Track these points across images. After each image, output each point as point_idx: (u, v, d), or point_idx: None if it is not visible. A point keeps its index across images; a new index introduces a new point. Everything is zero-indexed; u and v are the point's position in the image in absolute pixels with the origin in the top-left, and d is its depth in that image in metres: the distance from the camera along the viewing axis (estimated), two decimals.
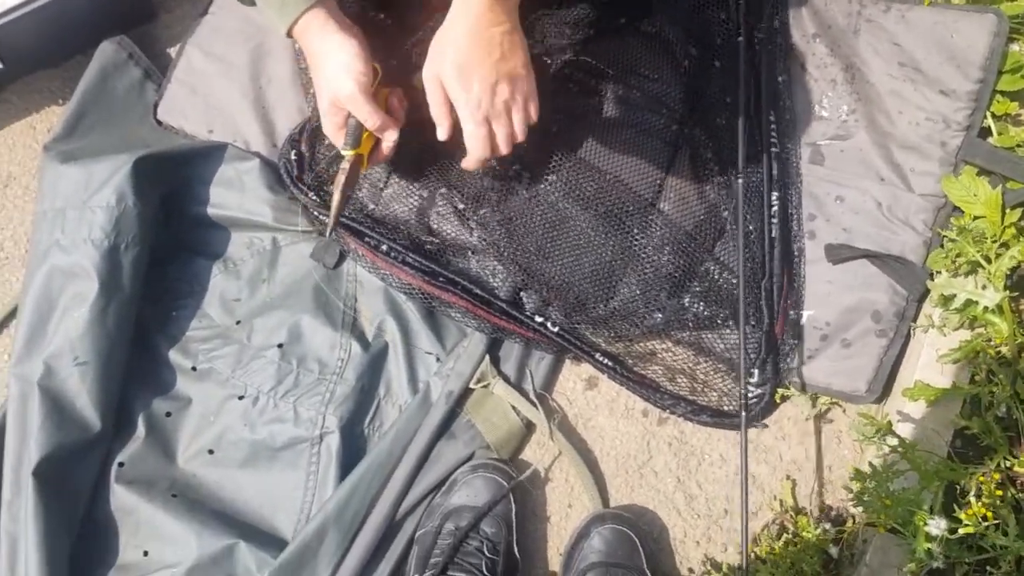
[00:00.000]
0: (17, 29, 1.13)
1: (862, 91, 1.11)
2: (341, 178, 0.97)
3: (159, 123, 1.19)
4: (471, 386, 1.09)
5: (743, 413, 1.02)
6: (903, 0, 1.12)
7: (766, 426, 1.08)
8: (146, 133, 1.18)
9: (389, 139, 1.00)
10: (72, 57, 1.27)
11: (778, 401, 1.06)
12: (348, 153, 0.97)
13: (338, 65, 0.94)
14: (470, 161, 0.99)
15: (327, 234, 1.03)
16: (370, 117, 0.95)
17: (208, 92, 1.18)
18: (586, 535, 1.01)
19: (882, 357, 1.06)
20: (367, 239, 1.09)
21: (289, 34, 0.96)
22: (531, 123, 1.00)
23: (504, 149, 0.98)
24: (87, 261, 1.05)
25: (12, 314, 1.16)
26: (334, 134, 1.00)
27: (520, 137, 0.98)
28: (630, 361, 1.09)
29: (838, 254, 1.07)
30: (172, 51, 1.26)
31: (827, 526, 1.01)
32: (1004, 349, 0.96)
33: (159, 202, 1.13)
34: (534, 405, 1.08)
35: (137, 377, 1.11)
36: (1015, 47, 1.07)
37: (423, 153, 1.12)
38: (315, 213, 1.11)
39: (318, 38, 0.94)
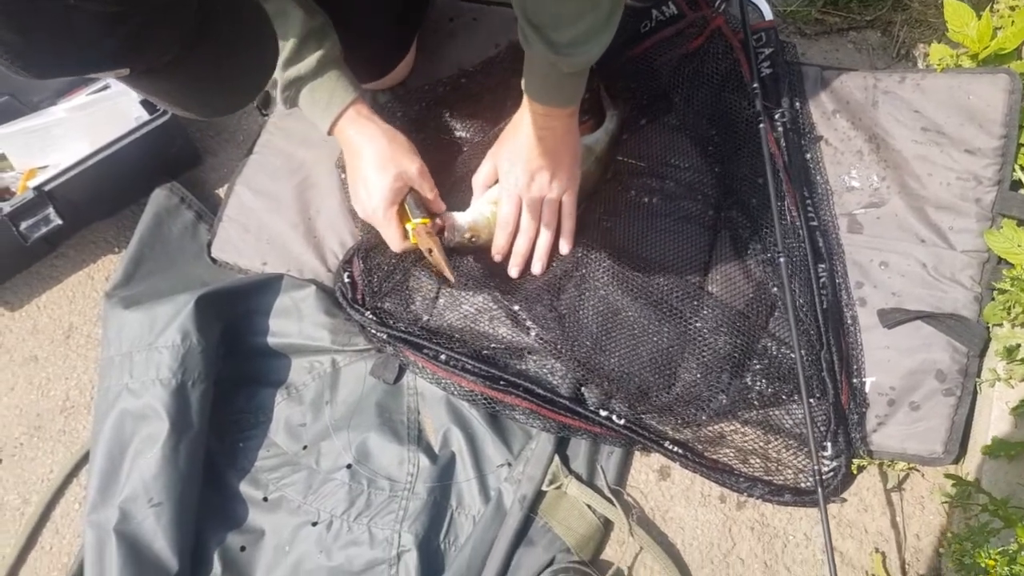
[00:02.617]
0: (74, 186, 1.20)
1: (889, 158, 1.15)
2: (431, 242, 1.04)
3: (214, 261, 1.23)
4: (543, 488, 1.08)
5: (819, 489, 1.00)
6: (916, 69, 1.17)
7: (844, 500, 1.06)
8: (202, 271, 1.22)
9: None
10: (126, 207, 1.33)
11: (855, 472, 1.05)
12: (426, 220, 1.06)
13: (401, 144, 1.06)
14: (497, 249, 1.11)
15: (452, 282, 1.10)
16: (433, 190, 1.07)
17: (259, 227, 1.23)
18: None
19: (953, 416, 1.05)
20: (425, 351, 1.11)
21: (331, 131, 1.06)
22: (568, 222, 1.10)
23: (526, 232, 1.10)
24: (156, 402, 1.07)
25: (81, 462, 1.18)
26: (385, 209, 1.05)
27: (547, 225, 1.09)
28: (700, 447, 1.08)
29: (892, 318, 1.08)
30: (220, 191, 1.33)
31: None
32: None
33: (220, 337, 1.15)
34: (610, 502, 1.07)
35: (209, 513, 1.11)
36: None
37: (473, 264, 1.15)
38: (373, 331, 1.13)
39: (372, 123, 1.06)
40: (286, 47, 1.00)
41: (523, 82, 1.00)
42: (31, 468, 1.20)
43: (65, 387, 1.24)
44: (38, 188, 1.19)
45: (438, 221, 1.09)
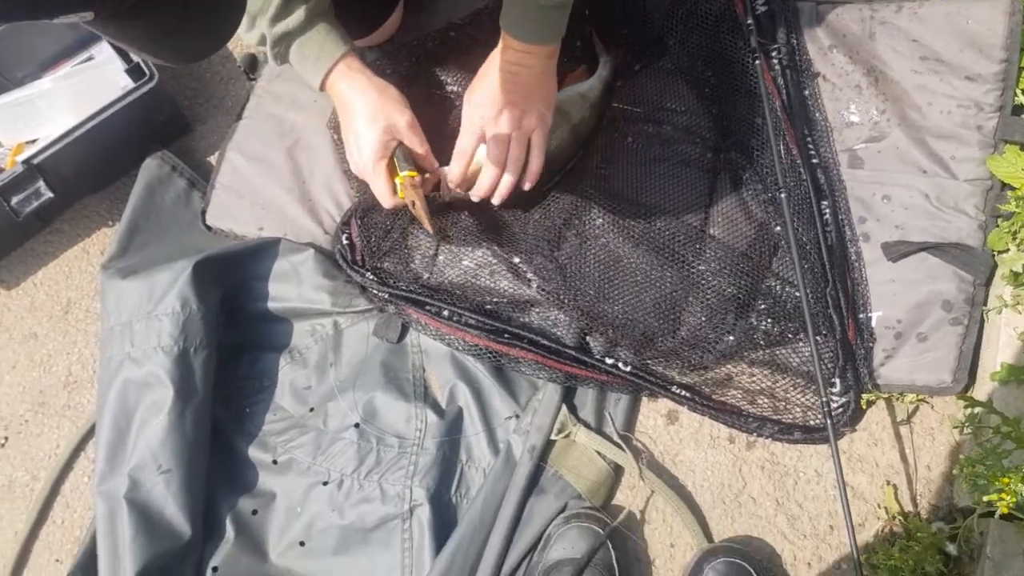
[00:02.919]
0: (63, 158, 1.19)
1: (888, 91, 1.13)
2: (414, 194, 1.02)
3: (209, 228, 1.22)
4: (552, 438, 1.08)
5: (828, 422, 0.99)
6: None
7: (855, 430, 1.06)
8: (197, 239, 1.21)
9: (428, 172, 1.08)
10: (117, 179, 1.31)
11: (864, 407, 1.05)
12: (412, 173, 1.03)
13: (391, 97, 1.04)
14: (452, 178, 1.07)
15: (433, 236, 1.11)
16: (423, 144, 1.05)
17: (253, 192, 1.22)
18: (699, 572, 0.98)
19: (961, 345, 1.04)
20: (428, 307, 1.10)
21: (322, 86, 1.04)
22: (535, 161, 1.06)
23: (490, 168, 1.05)
24: (160, 369, 1.06)
25: (87, 436, 1.18)
26: (375, 163, 1.04)
27: (513, 163, 1.04)
28: (707, 389, 1.08)
29: (896, 251, 1.07)
30: (212, 159, 1.31)
31: (940, 524, 0.98)
32: None
33: (220, 303, 1.14)
34: (619, 447, 1.07)
35: (219, 479, 1.11)
36: None
37: (471, 219, 1.14)
38: (374, 291, 1.12)
39: (362, 76, 1.04)
40: (273, 2, 0.98)
41: (501, 16, 0.97)
42: (38, 444, 1.20)
43: (67, 362, 1.24)
44: (27, 161, 1.17)
45: (428, 176, 1.07)
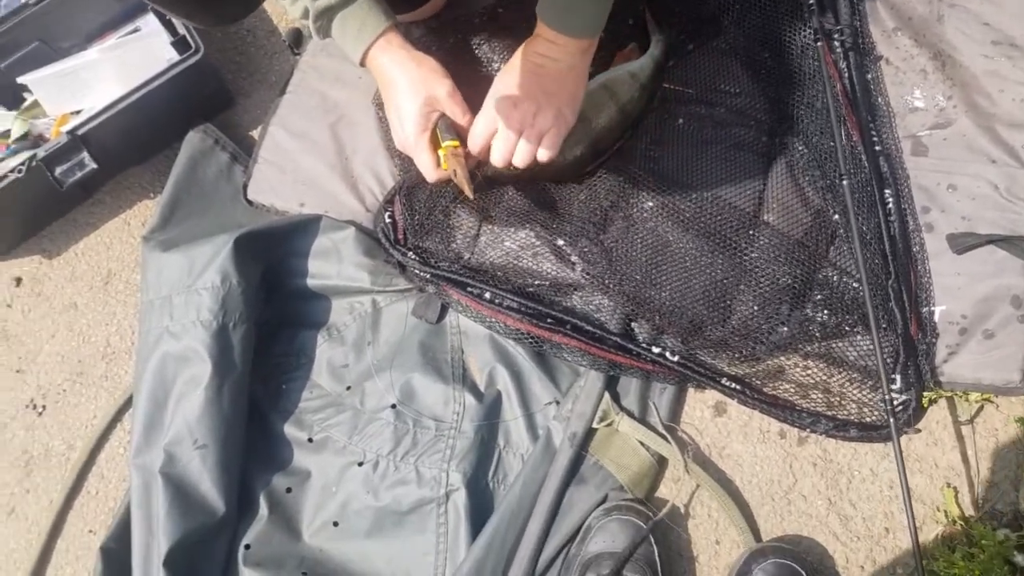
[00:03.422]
0: (107, 129, 1.18)
1: (956, 76, 1.08)
2: (455, 163, 0.98)
3: (250, 203, 1.20)
4: (594, 426, 1.04)
5: (891, 420, 0.95)
6: None
7: (919, 430, 1.01)
8: (239, 214, 1.20)
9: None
10: (159, 151, 1.31)
11: (925, 406, 1.00)
12: (454, 143, 1.00)
13: (431, 69, 1.00)
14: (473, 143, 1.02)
15: (474, 205, 1.09)
16: (465, 113, 1.00)
17: (295, 168, 1.20)
18: (747, 573, 0.94)
19: None
20: (469, 289, 1.07)
21: (363, 61, 1.01)
22: (543, 157, 0.99)
23: (496, 160, 1.00)
24: (198, 343, 1.05)
25: (124, 407, 1.17)
26: (417, 136, 1.00)
27: (519, 159, 0.99)
28: (758, 382, 1.03)
29: (963, 243, 1.02)
30: (254, 133, 1.30)
31: (1005, 531, 0.93)
32: None
33: (260, 279, 1.13)
34: (664, 438, 1.03)
35: (254, 456, 1.09)
36: None
37: (514, 199, 1.11)
38: (416, 271, 1.10)
39: (403, 50, 1.00)
40: None
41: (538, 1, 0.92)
42: (75, 414, 1.19)
43: (105, 333, 1.23)
44: (71, 132, 1.16)
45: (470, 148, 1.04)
